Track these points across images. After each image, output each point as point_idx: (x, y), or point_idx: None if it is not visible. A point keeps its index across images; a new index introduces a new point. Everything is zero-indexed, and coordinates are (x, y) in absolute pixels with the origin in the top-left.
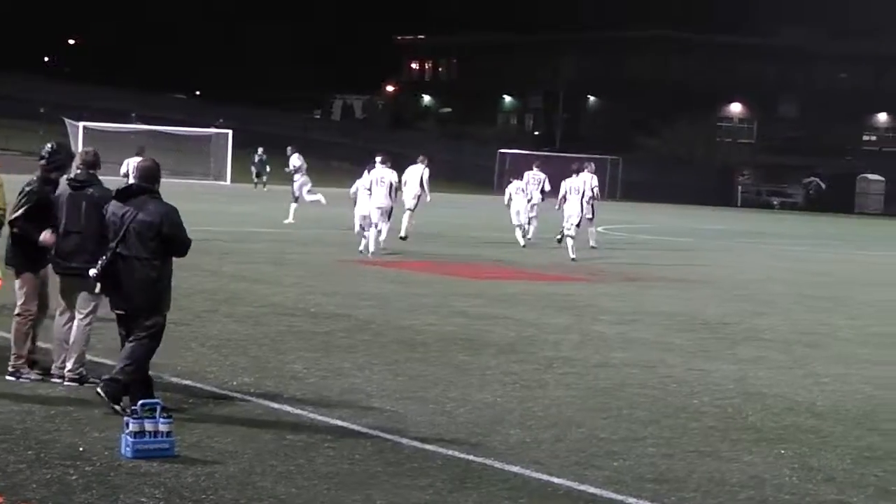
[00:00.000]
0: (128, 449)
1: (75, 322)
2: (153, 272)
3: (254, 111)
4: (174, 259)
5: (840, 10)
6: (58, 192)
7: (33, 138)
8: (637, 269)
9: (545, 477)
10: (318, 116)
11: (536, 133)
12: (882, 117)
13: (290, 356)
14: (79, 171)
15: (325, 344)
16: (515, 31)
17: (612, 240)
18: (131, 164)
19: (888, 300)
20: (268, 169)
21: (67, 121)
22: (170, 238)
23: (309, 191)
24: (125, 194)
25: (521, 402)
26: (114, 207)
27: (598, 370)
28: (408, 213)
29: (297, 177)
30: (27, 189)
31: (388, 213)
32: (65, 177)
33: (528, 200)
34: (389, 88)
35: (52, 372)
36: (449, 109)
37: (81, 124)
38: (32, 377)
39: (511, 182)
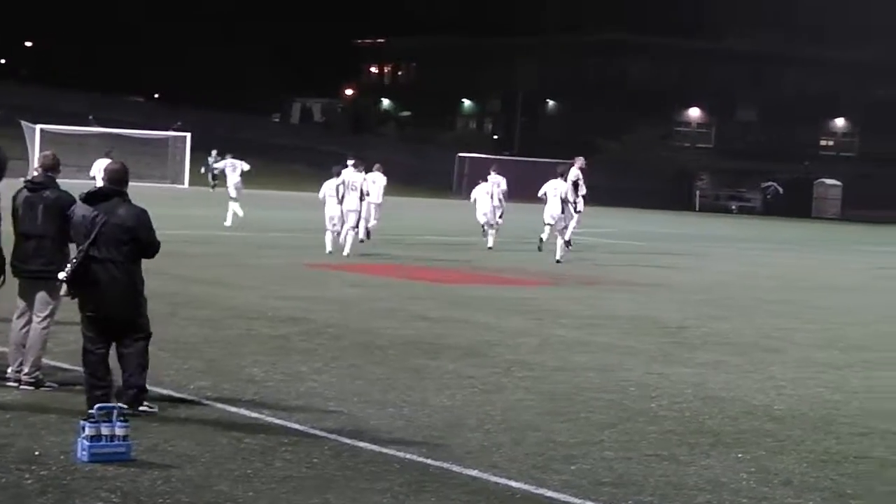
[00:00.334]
0: (84, 453)
1: (32, 325)
2: (128, 274)
3: (212, 114)
4: None
5: (799, 15)
6: (15, 195)
7: None
8: (597, 273)
9: (503, 481)
10: (277, 120)
11: (496, 137)
12: (839, 122)
13: (248, 360)
14: (36, 174)
15: (283, 348)
16: (475, 35)
17: (572, 243)
18: (99, 166)
19: (845, 304)
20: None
21: (24, 123)
22: (143, 240)
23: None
24: (95, 197)
25: (479, 405)
26: (83, 210)
27: (557, 374)
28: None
29: (233, 179)
30: None
31: (359, 217)
32: (22, 179)
33: (494, 204)
34: (349, 92)
35: (7, 375)
36: (408, 113)
37: (39, 127)
38: None
39: (478, 184)
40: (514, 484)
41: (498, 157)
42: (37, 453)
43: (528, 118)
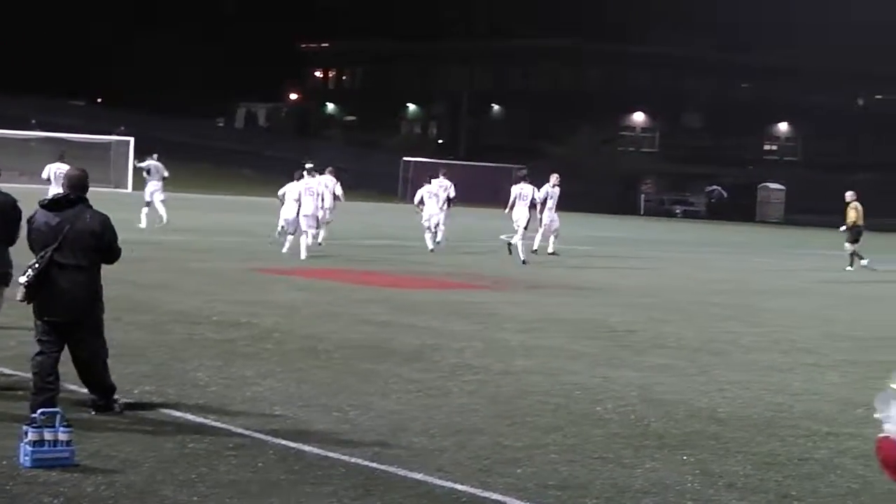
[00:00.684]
0: (26, 458)
1: None
2: (91, 279)
3: (155, 118)
4: None
5: (743, 22)
6: None
7: None
8: (541, 277)
9: (449, 484)
10: (221, 124)
11: (440, 141)
12: (783, 127)
13: (192, 364)
14: None
15: (227, 352)
16: (421, 39)
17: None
18: (52, 169)
19: (789, 307)
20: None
21: None
22: (108, 247)
23: (162, 200)
24: (59, 204)
25: (424, 409)
26: (44, 217)
27: (502, 378)
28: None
29: (151, 182)
30: None
31: (317, 221)
32: None
33: (440, 207)
34: (293, 96)
35: None
36: (353, 117)
37: None
38: None
39: (423, 186)
40: (459, 487)
41: (444, 161)
42: None
43: (473, 122)
